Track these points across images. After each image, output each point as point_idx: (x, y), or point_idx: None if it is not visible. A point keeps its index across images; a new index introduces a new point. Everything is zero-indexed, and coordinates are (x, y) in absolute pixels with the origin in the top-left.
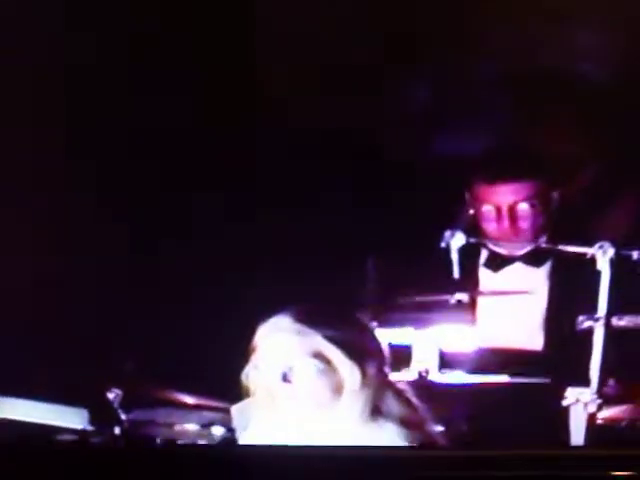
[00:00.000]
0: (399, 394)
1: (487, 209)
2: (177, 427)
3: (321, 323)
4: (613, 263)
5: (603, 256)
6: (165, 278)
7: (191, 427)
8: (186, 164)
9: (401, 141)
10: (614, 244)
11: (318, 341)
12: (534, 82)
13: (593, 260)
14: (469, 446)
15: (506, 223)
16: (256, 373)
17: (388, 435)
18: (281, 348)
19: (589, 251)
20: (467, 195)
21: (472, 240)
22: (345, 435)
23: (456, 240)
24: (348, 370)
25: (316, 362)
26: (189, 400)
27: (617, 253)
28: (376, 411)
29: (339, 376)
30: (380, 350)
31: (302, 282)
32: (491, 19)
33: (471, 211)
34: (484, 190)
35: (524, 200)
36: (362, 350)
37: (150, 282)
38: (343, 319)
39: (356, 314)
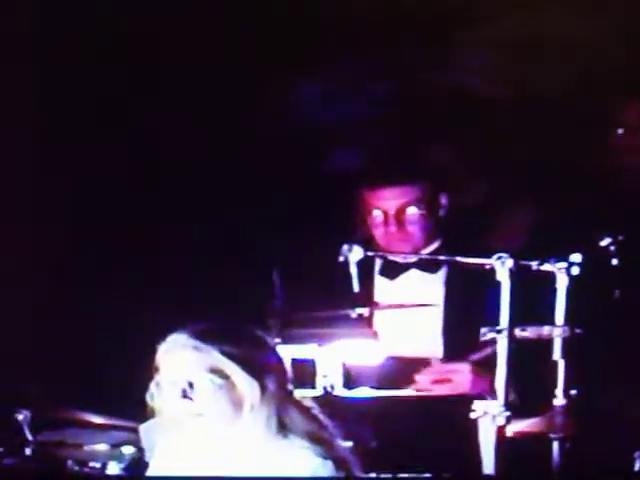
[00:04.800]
0: (305, 410)
1: (375, 214)
2: (87, 447)
3: (218, 339)
4: (513, 274)
5: (502, 267)
6: (70, 298)
7: (101, 447)
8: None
9: (299, 155)
10: (513, 255)
11: (215, 357)
12: (426, 93)
13: (492, 271)
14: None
15: (394, 228)
16: (159, 392)
17: (297, 450)
18: (179, 365)
19: (488, 262)
20: (358, 202)
21: (370, 253)
22: (254, 451)
23: (354, 254)
24: (247, 385)
25: (214, 377)
26: (98, 420)
27: (516, 264)
28: (283, 426)
29: (238, 391)
30: (281, 366)
31: (204, 299)
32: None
33: (360, 217)
34: (370, 195)
35: (410, 204)
36: (261, 365)
37: (55, 303)
38: (240, 335)
39: (255, 330)
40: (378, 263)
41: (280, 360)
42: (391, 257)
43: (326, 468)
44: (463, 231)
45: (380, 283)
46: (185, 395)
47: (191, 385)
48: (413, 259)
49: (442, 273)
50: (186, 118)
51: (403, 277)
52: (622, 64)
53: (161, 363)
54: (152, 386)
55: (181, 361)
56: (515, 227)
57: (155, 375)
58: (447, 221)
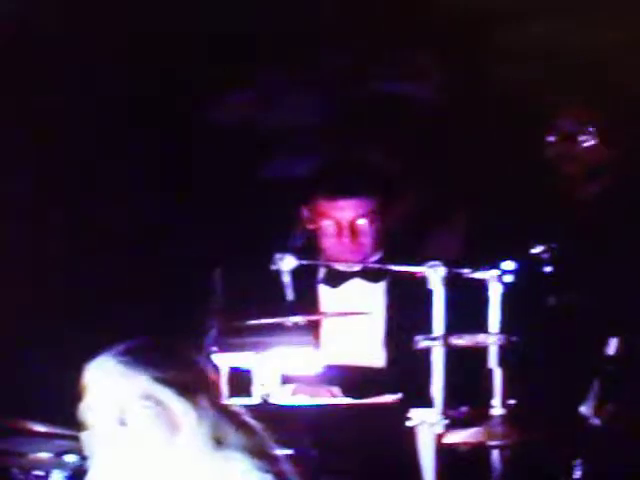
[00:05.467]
0: (242, 424)
1: (327, 224)
2: (31, 456)
3: (147, 365)
4: (446, 282)
5: (435, 275)
6: (12, 307)
7: (44, 455)
8: None
9: (236, 160)
10: (445, 263)
11: (146, 383)
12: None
13: (425, 279)
14: None
15: (346, 238)
16: (91, 415)
17: (237, 466)
18: (110, 391)
19: (420, 270)
20: (306, 211)
21: (304, 262)
22: (192, 470)
23: (286, 262)
24: (181, 407)
25: (148, 404)
26: (42, 429)
27: (449, 272)
28: (220, 443)
29: (173, 414)
30: (212, 382)
31: (137, 312)
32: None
33: (311, 226)
34: (325, 205)
35: (364, 216)
36: (192, 386)
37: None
38: (170, 358)
39: (184, 349)
40: (322, 271)
41: (210, 376)
42: (333, 266)
43: None
44: (402, 240)
45: (323, 291)
46: (121, 422)
47: (125, 412)
48: (356, 268)
49: (384, 283)
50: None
51: (346, 286)
52: (557, 71)
53: (89, 386)
54: (83, 406)
55: (111, 387)
56: (450, 235)
57: (83, 394)
58: (391, 232)
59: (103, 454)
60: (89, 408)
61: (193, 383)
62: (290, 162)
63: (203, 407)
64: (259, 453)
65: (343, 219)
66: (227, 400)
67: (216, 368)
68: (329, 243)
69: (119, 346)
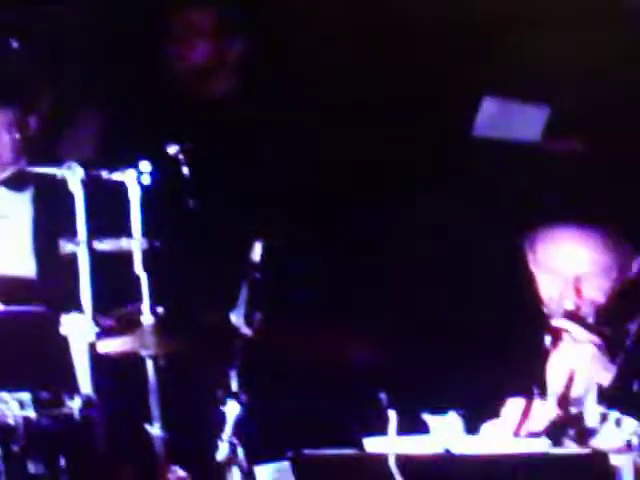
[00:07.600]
0: None
1: None
2: None
3: None
4: (85, 184)
5: (73, 177)
6: None
7: None
8: None
9: None
10: (83, 164)
11: None
12: None
13: (65, 182)
14: None
15: None
16: None
17: None
18: None
19: (58, 172)
20: None
21: None
22: None
23: None
24: None
25: None
26: None
27: (87, 174)
28: None
29: None
30: None
31: None
32: None
33: None
34: None
35: (2, 127)
36: None
37: None
38: None
39: None
40: None
41: None
42: None
43: None
44: (42, 145)
45: None
46: None
47: None
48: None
49: (29, 191)
50: None
51: None
52: None
53: None
54: None
55: None
56: (86, 135)
57: None
58: (32, 139)
59: None
60: None
61: None
62: None
63: None
64: None
65: None
66: None
67: None
68: None
69: None
